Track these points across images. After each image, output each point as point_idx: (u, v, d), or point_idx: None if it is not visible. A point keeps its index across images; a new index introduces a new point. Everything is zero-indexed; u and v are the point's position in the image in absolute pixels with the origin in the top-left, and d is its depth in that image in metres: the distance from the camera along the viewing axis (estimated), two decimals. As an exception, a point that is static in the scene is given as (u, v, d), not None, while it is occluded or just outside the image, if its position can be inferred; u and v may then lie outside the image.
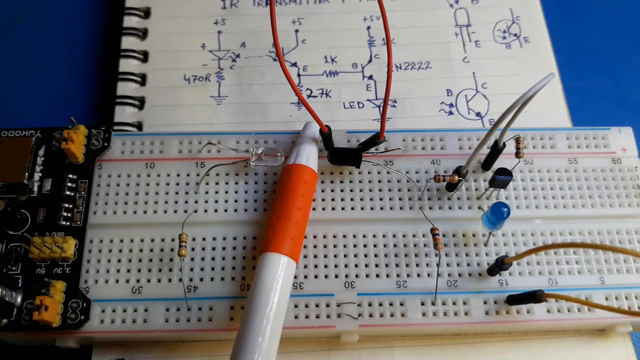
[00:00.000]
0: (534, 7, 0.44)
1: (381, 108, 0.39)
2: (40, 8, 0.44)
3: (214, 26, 0.43)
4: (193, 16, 0.43)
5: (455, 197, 0.33)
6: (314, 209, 0.33)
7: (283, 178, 0.32)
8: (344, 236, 0.32)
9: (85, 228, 0.31)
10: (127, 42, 0.41)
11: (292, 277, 0.29)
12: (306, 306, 0.30)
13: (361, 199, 0.33)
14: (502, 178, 0.31)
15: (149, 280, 0.31)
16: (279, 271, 0.28)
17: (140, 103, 0.40)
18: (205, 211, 0.32)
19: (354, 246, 0.32)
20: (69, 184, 0.32)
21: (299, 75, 0.41)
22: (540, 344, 0.33)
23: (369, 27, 0.43)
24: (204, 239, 0.32)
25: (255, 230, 0.32)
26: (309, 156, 0.32)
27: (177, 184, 0.33)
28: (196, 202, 0.33)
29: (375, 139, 0.32)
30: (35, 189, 0.32)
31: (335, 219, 0.33)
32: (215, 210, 0.33)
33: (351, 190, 0.33)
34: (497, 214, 0.30)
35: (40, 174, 0.33)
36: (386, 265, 0.32)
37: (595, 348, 0.33)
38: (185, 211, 0.32)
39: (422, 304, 0.31)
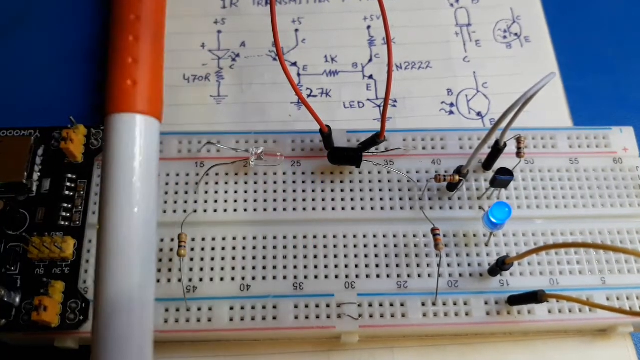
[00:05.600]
0: (535, 7, 0.44)
1: (381, 108, 0.39)
2: (40, 8, 0.44)
3: (214, 26, 0.43)
4: (193, 16, 0.43)
5: (456, 197, 0.33)
6: (313, 209, 0.33)
7: (112, 6, 0.23)
8: (344, 236, 0.32)
9: (84, 228, 0.31)
10: (127, 41, 0.41)
11: (157, 140, 0.22)
12: (306, 307, 0.30)
13: (361, 199, 0.33)
14: (503, 178, 0.31)
15: (148, 281, 0.31)
16: (134, 135, 0.20)
17: (140, 103, 0.39)
18: (205, 211, 0.32)
19: (354, 246, 0.32)
20: (68, 184, 0.32)
21: (299, 74, 0.41)
22: (541, 344, 0.33)
23: (369, 27, 0.43)
24: (203, 239, 0.32)
25: (256, 230, 0.32)
26: None
27: (177, 183, 0.33)
28: (196, 202, 0.33)
29: (376, 139, 0.32)
30: (34, 188, 0.32)
31: (335, 219, 0.33)
32: (215, 210, 0.32)
33: (351, 190, 0.33)
34: (498, 214, 0.30)
35: (39, 174, 0.32)
36: (386, 266, 0.31)
37: (596, 348, 0.33)
38: (185, 211, 0.32)
39: (423, 304, 0.31)
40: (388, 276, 0.31)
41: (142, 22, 0.21)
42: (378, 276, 0.31)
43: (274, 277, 0.31)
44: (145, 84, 0.21)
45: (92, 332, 0.20)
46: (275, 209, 0.33)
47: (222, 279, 0.31)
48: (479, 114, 0.40)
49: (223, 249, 0.32)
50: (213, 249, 0.32)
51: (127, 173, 0.20)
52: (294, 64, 0.41)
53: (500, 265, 0.30)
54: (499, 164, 0.33)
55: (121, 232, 0.20)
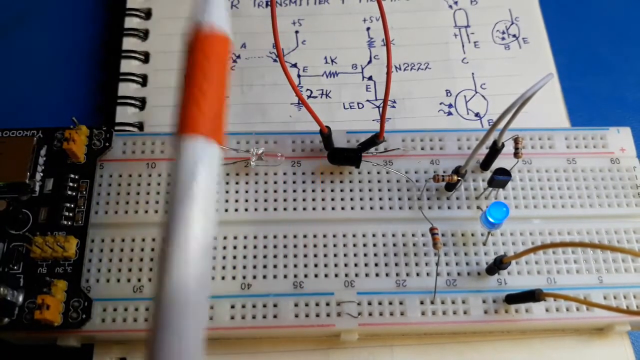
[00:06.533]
0: (533, 8, 0.44)
1: (381, 108, 0.40)
2: (41, 9, 0.45)
3: (215, 27, 0.43)
4: (193, 17, 0.43)
5: (454, 197, 0.33)
6: (313, 209, 0.33)
7: (185, 53, 0.26)
8: (344, 236, 0.32)
9: (86, 227, 0.32)
10: (128, 42, 0.42)
11: (218, 163, 0.23)
12: (306, 305, 0.31)
13: (361, 199, 0.33)
14: (501, 178, 0.32)
15: (150, 280, 0.31)
16: (197, 155, 0.22)
17: (142, 103, 0.40)
18: (206, 211, 0.33)
19: (354, 246, 0.32)
20: (71, 184, 0.32)
21: (299, 75, 0.41)
22: (538, 343, 0.33)
23: (368, 28, 0.43)
24: (204, 239, 0.32)
25: (257, 230, 0.32)
26: (212, 12, 0.25)
27: (178, 183, 0.33)
28: (197, 201, 0.33)
29: (375, 139, 0.32)
30: (37, 188, 0.32)
31: (335, 219, 0.33)
32: (216, 210, 0.33)
33: (351, 190, 0.34)
34: (496, 214, 0.30)
35: (41, 174, 0.33)
36: (386, 265, 0.32)
37: (593, 347, 0.33)
38: (186, 211, 0.32)
39: (422, 303, 0.31)
40: (387, 275, 0.31)
41: (211, 63, 0.24)
42: (377, 275, 0.31)
43: (275, 276, 0.31)
44: (210, 113, 0.23)
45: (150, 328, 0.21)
46: (275, 209, 0.33)
47: (223, 278, 0.31)
48: (477, 114, 0.40)
49: (224, 248, 0.32)
50: (214, 248, 0.32)
51: (191, 184, 0.22)
52: (294, 65, 0.41)
53: (498, 264, 0.31)
54: (497, 164, 0.33)
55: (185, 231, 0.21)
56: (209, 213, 0.22)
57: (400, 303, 0.31)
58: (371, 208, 0.33)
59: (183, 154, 0.22)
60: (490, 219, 0.31)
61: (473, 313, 0.31)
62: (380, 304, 0.31)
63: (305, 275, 0.31)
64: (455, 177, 0.32)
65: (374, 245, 0.32)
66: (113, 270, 0.31)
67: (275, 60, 0.41)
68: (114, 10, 0.44)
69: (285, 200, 0.33)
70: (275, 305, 0.31)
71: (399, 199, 0.33)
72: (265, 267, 0.31)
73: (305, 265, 0.32)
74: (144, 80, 0.41)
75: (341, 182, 0.34)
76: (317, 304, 0.31)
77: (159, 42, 0.42)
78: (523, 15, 0.43)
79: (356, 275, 0.31)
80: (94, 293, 0.31)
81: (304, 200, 0.33)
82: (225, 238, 0.32)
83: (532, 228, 0.33)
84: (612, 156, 0.35)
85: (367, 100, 0.40)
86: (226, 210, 0.33)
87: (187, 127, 0.23)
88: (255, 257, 0.32)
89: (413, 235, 0.32)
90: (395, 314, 0.31)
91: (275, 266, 0.31)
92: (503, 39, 0.43)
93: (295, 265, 0.31)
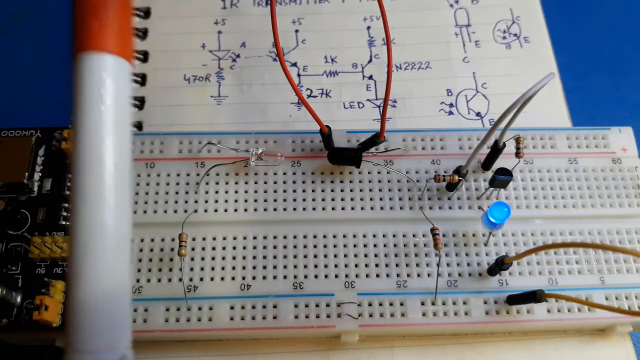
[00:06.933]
0: (534, 7, 0.44)
1: (381, 108, 0.39)
2: (40, 7, 0.44)
3: (214, 26, 0.43)
4: (193, 16, 0.43)
5: (455, 197, 0.33)
6: (313, 209, 0.33)
7: None
8: (344, 236, 0.32)
9: (85, 228, 0.31)
10: (127, 42, 0.41)
11: (129, 84, 0.20)
12: (306, 306, 0.30)
13: (361, 199, 0.33)
14: (502, 178, 0.31)
15: (149, 280, 0.31)
16: (104, 76, 0.19)
17: (140, 103, 0.40)
18: (205, 211, 0.32)
19: (354, 246, 0.32)
20: (69, 184, 0.32)
21: (299, 75, 0.41)
22: (540, 344, 0.33)
23: (369, 27, 0.43)
24: (204, 239, 0.32)
25: (256, 230, 0.32)
26: None
27: (177, 183, 0.33)
28: (196, 202, 0.33)
29: (375, 139, 0.32)
30: (35, 188, 0.32)
31: (335, 219, 0.33)
32: (215, 210, 0.33)
33: (351, 190, 0.33)
34: (497, 214, 0.30)
35: (40, 174, 0.33)
36: (386, 265, 0.32)
37: (595, 348, 0.33)
38: (185, 211, 0.32)
39: (422, 303, 0.31)
40: (388, 276, 0.31)
41: None
42: (378, 276, 0.31)
43: (274, 277, 0.31)
44: (115, 25, 0.20)
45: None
46: (275, 209, 0.33)
47: (222, 279, 0.31)
48: (478, 114, 0.40)
49: (223, 248, 0.32)
50: (213, 248, 0.32)
51: (99, 107, 0.19)
52: (294, 64, 0.41)
53: (500, 265, 0.31)
54: (498, 164, 0.33)
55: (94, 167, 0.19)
56: (123, 141, 0.19)
57: (401, 304, 0.31)
58: (372, 208, 0.33)
59: (85, 75, 0.19)
60: (492, 219, 0.30)
61: (474, 314, 0.31)
62: (380, 304, 0.31)
63: (305, 276, 0.31)
64: (456, 177, 0.32)
65: (375, 245, 0.32)
66: (112, 270, 0.31)
67: (275, 60, 0.41)
68: (113, 9, 0.44)
69: (285, 200, 0.33)
70: (275, 306, 0.30)
71: (400, 199, 0.33)
72: (264, 267, 0.31)
73: (305, 266, 0.31)
74: (143, 80, 0.40)
75: (341, 182, 0.34)
76: (317, 305, 0.31)
77: (158, 41, 0.42)
78: (524, 15, 0.43)
79: (356, 275, 0.31)
80: (93, 294, 0.30)
81: (304, 200, 0.33)
82: (224, 238, 0.32)
83: (533, 228, 0.33)
84: (614, 156, 0.35)
85: (368, 100, 0.40)
86: (225, 211, 0.33)
87: (88, 44, 0.19)
88: (254, 257, 0.31)
89: (414, 235, 0.32)
90: (396, 315, 0.30)
91: (275, 267, 0.31)
92: (504, 38, 0.43)
93: (295, 266, 0.31)
